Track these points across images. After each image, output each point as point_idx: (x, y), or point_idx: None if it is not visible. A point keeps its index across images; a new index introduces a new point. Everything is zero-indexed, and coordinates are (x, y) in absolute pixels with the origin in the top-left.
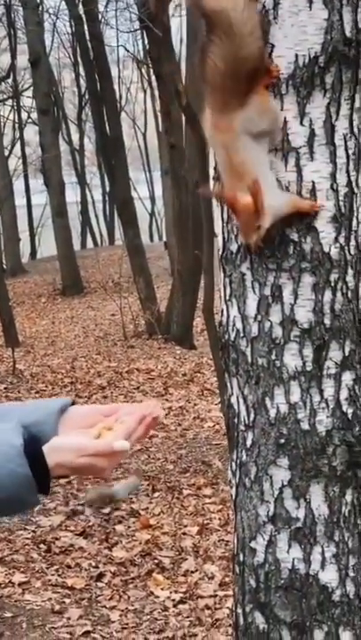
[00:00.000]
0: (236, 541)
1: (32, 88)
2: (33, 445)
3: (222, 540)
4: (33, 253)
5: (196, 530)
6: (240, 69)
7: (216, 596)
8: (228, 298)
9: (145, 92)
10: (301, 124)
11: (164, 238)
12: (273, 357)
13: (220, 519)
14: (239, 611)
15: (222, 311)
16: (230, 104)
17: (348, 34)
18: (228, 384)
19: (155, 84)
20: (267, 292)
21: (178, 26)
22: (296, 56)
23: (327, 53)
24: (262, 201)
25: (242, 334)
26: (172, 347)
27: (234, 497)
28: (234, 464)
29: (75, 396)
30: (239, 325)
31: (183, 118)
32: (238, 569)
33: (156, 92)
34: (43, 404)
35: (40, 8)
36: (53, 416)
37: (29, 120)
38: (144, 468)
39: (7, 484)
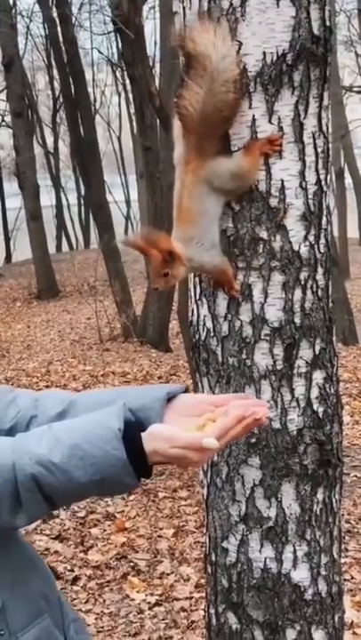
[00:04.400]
0: (208, 541)
1: (6, 91)
2: (135, 430)
3: (198, 541)
4: (8, 257)
5: (171, 532)
6: (212, 116)
7: (192, 597)
8: (198, 297)
9: (119, 94)
10: (270, 122)
11: None
12: (243, 356)
13: (195, 521)
14: (212, 611)
15: (192, 311)
16: (204, 148)
17: (315, 31)
18: (200, 384)
19: (129, 86)
20: None
21: (152, 28)
22: (264, 54)
23: (295, 51)
24: (179, 255)
25: (212, 334)
26: (147, 350)
27: (205, 497)
28: (205, 464)
29: None
30: (209, 325)
31: (157, 120)
32: (211, 569)
33: (131, 95)
34: (151, 390)
35: (13, 10)
36: (159, 402)
37: (3, 123)
38: None
39: (103, 465)
